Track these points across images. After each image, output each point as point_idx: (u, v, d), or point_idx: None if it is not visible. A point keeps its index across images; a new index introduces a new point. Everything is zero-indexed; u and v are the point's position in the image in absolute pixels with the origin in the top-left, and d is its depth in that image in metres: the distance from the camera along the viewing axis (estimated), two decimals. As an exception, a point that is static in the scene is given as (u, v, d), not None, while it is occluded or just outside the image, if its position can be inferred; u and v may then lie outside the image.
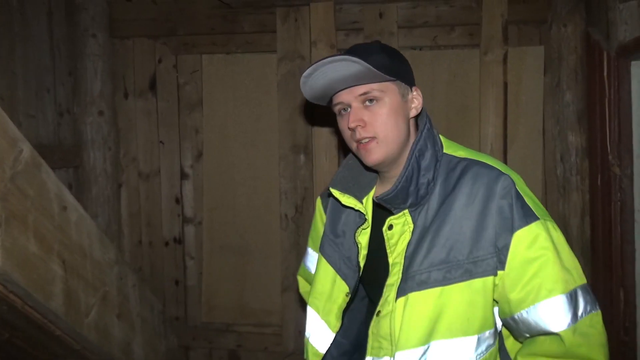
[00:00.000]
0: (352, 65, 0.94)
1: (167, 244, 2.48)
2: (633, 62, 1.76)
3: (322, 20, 2.31)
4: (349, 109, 1.02)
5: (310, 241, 1.36)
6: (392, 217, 1.03)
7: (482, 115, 2.22)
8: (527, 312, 0.94)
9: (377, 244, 1.07)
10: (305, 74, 0.99)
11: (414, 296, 0.97)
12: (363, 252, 1.09)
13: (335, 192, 1.09)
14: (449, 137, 1.13)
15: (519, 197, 0.96)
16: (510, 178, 0.98)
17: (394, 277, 1.01)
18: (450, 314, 0.95)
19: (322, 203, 1.28)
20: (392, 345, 0.98)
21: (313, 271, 1.30)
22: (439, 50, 2.32)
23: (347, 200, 1.08)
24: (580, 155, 2.13)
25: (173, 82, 2.46)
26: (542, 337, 0.95)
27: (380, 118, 0.99)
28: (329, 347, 1.16)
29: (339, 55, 0.96)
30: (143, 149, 2.49)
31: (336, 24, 2.31)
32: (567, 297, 0.92)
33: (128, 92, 2.48)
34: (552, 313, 0.91)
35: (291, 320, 2.36)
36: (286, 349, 2.38)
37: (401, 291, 0.98)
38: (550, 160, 2.25)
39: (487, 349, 0.98)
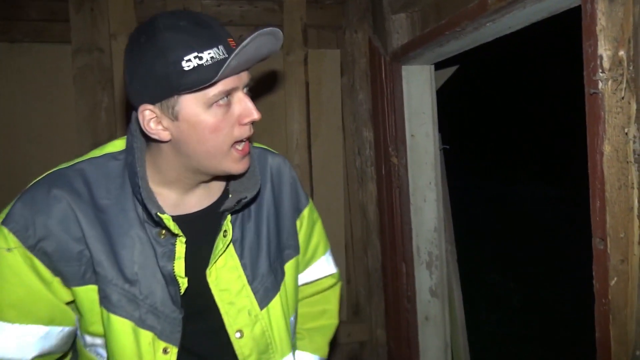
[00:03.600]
0: (277, 41, 0.79)
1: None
2: (403, 66, 2.03)
3: (121, 11, 2.19)
4: (229, 96, 0.80)
5: (13, 312, 0.85)
6: (225, 222, 0.92)
7: (288, 112, 2.35)
8: (313, 265, 1.21)
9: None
10: (243, 44, 0.74)
11: (275, 301, 1.01)
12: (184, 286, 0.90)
13: (166, 219, 0.84)
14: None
15: (297, 177, 1.13)
16: (286, 159, 1.12)
17: (237, 285, 0.94)
18: (287, 297, 1.06)
19: (33, 252, 0.84)
20: (275, 353, 1.01)
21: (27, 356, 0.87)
22: (246, 49, 2.37)
23: (174, 226, 0.86)
24: (373, 148, 2.39)
25: (-61, 73, 2.10)
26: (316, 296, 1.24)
27: None
28: None
29: (269, 28, 0.77)
30: None
31: (137, 16, 2.21)
32: (330, 251, 1.28)
33: None
34: (329, 263, 1.26)
35: None
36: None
37: (264, 299, 0.98)
38: (350, 153, 2.48)
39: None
